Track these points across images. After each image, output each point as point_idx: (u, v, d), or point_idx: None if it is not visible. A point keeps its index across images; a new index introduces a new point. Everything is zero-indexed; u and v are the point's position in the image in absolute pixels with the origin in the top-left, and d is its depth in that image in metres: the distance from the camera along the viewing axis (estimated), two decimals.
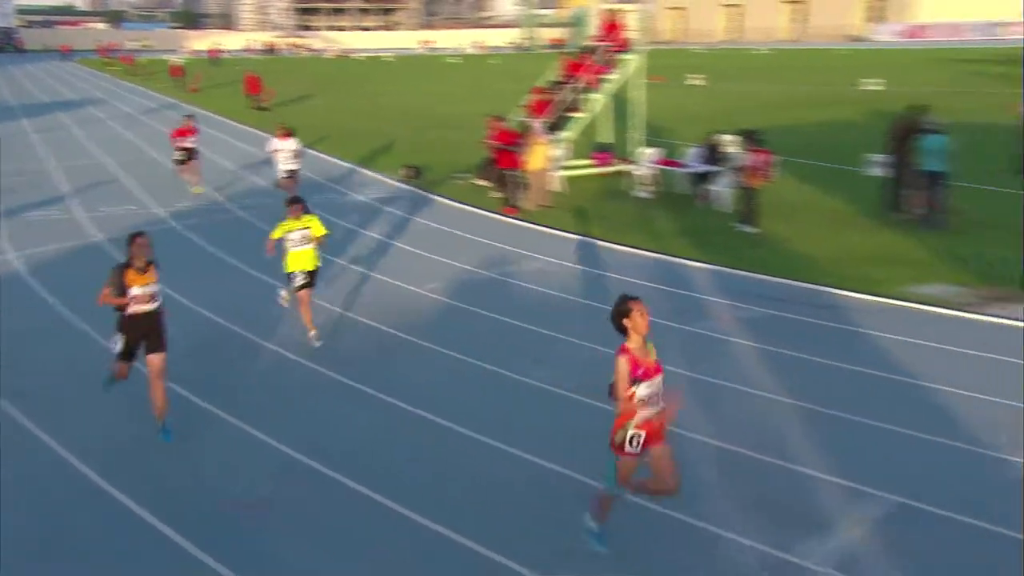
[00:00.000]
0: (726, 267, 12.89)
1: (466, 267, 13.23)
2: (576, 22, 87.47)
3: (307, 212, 10.03)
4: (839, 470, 6.88)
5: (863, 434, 7.58)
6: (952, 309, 10.78)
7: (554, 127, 18.99)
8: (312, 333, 9.95)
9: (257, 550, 6.06)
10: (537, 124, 17.81)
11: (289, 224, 9.85)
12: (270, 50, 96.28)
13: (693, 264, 13.15)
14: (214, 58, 71.30)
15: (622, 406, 5.40)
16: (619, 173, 19.47)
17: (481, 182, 18.93)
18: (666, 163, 18.87)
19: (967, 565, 5.75)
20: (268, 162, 18.23)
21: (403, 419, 8.11)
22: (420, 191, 19.21)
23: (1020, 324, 10.14)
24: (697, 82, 45.42)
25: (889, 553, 5.78)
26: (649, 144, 20.05)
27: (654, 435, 5.51)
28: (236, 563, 5.87)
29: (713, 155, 17.37)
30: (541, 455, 7.27)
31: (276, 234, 9.93)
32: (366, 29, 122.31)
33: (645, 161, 18.83)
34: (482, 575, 5.78)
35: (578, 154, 20.14)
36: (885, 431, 7.59)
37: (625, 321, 5.45)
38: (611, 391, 5.49)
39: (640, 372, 5.37)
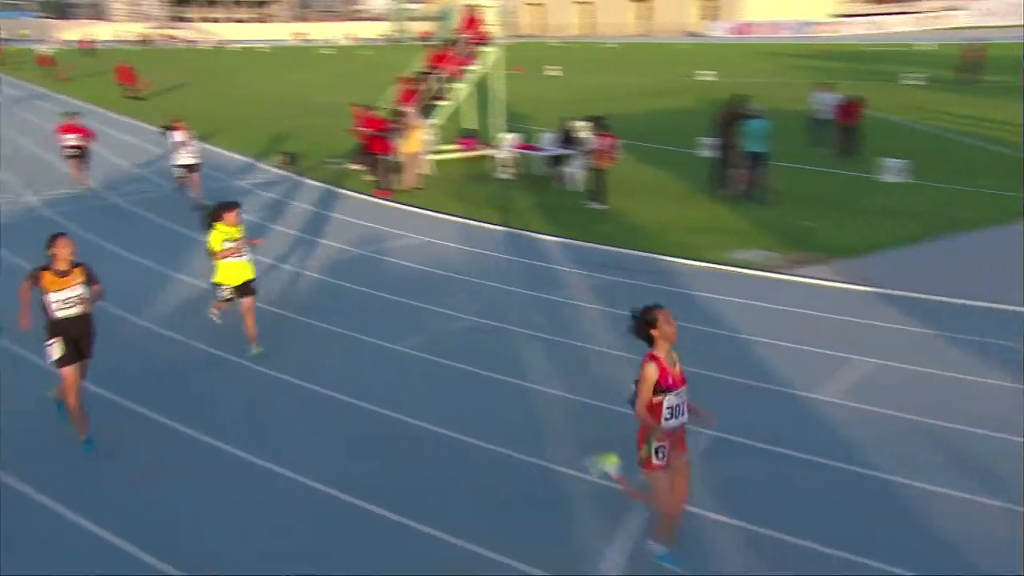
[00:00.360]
0: (578, 240, 13.34)
1: (342, 246, 13.20)
2: (442, 16, 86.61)
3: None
4: None
5: (689, 381, 8.09)
6: (766, 271, 11.55)
7: (422, 114, 19.01)
8: (255, 350, 8.76)
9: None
10: (412, 111, 17.81)
11: (226, 231, 8.54)
12: (144, 41, 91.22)
13: (549, 238, 13.54)
14: (86, 48, 66.95)
15: (644, 415, 4.99)
16: (483, 157, 19.70)
17: (354, 167, 18.78)
18: (525, 147, 19.23)
19: (776, 487, 6.30)
20: (141, 149, 17.47)
21: (286, 389, 8.12)
22: (296, 176, 18.88)
23: (821, 283, 11.01)
24: (554, 73, 46.08)
25: (707, 481, 6.29)
26: (510, 130, 20.33)
27: (676, 446, 5.15)
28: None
29: (567, 139, 17.83)
30: (416, 415, 7.44)
31: (215, 245, 8.52)
32: (240, 21, 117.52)
33: (506, 146, 19.13)
34: (355, 522, 5.94)
35: (445, 140, 20.24)
36: (708, 378, 8.12)
37: (652, 331, 5.04)
38: (633, 401, 5.09)
39: (669, 381, 4.99)
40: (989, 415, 7.14)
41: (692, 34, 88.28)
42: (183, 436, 7.16)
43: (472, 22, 20.36)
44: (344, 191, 17.32)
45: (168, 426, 7.33)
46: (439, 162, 19.05)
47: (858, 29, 76.53)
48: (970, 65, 33.20)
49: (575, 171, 17.04)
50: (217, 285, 8.81)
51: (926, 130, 22.72)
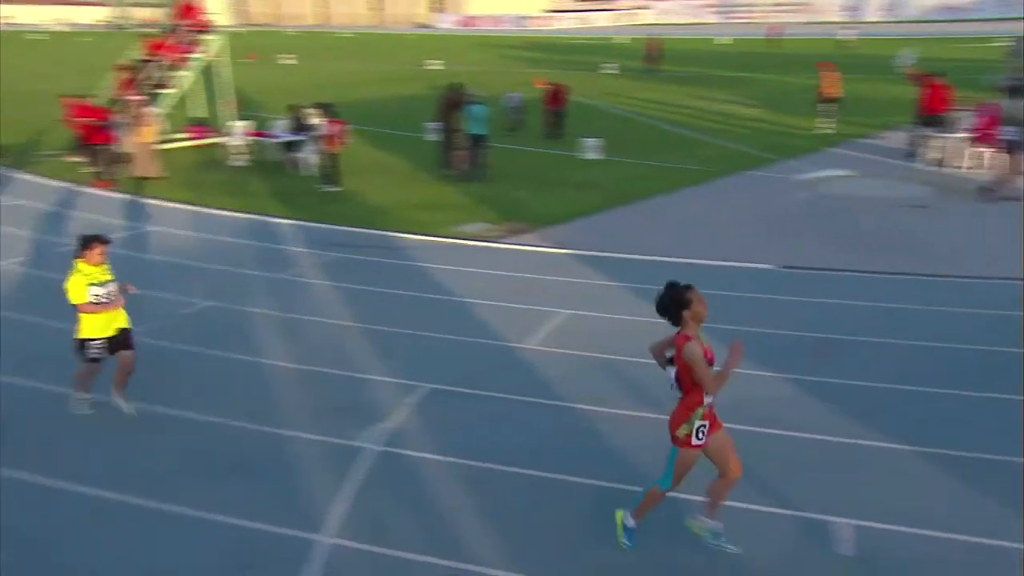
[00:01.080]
0: (311, 222, 13.24)
1: (60, 240, 12.04)
2: (165, 2, 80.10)
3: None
4: (392, 372, 7.66)
5: (413, 343, 8.47)
6: (485, 241, 12.23)
7: (147, 103, 17.67)
8: (127, 407, 6.87)
9: None
10: (139, 99, 16.47)
11: (90, 274, 6.48)
12: None
13: (282, 221, 13.30)
14: None
15: (714, 388, 4.63)
16: (214, 145, 18.76)
17: (73, 159, 17.08)
18: (257, 134, 18.58)
19: (488, 425, 6.82)
20: None
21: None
22: (6, 170, 16.82)
23: (529, 248, 11.86)
24: (289, 61, 44.55)
25: (427, 427, 6.67)
26: (244, 118, 19.49)
27: (713, 422, 4.83)
28: None
29: (298, 125, 17.48)
30: (149, 399, 7.10)
31: (78, 294, 6.41)
32: None
33: (237, 133, 18.36)
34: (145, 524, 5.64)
35: (173, 129, 18.99)
36: (430, 338, 8.56)
37: (685, 312, 4.64)
38: (679, 383, 4.73)
39: (711, 359, 4.67)
40: (642, 345, 8.16)
41: (421, 25, 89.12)
42: None
43: (189, 10, 19.19)
44: (62, 184, 15.75)
45: None
46: (168, 151, 17.85)
47: (567, 23, 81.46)
48: (654, 56, 36.73)
49: (307, 156, 16.78)
50: (82, 343, 6.59)
51: (619, 113, 24.91)
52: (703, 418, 4.70)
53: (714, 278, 10.27)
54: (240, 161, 17.75)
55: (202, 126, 19.51)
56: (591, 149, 18.21)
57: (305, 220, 13.30)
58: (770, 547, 5.14)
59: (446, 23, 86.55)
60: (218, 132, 19.20)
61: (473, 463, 6.13)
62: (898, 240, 11.71)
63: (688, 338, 4.61)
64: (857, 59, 35.34)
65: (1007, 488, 5.62)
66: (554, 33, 72.91)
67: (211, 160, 18.02)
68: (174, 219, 13.45)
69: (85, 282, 6.42)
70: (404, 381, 7.45)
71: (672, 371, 4.76)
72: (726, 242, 11.88)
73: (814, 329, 8.57)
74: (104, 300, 6.49)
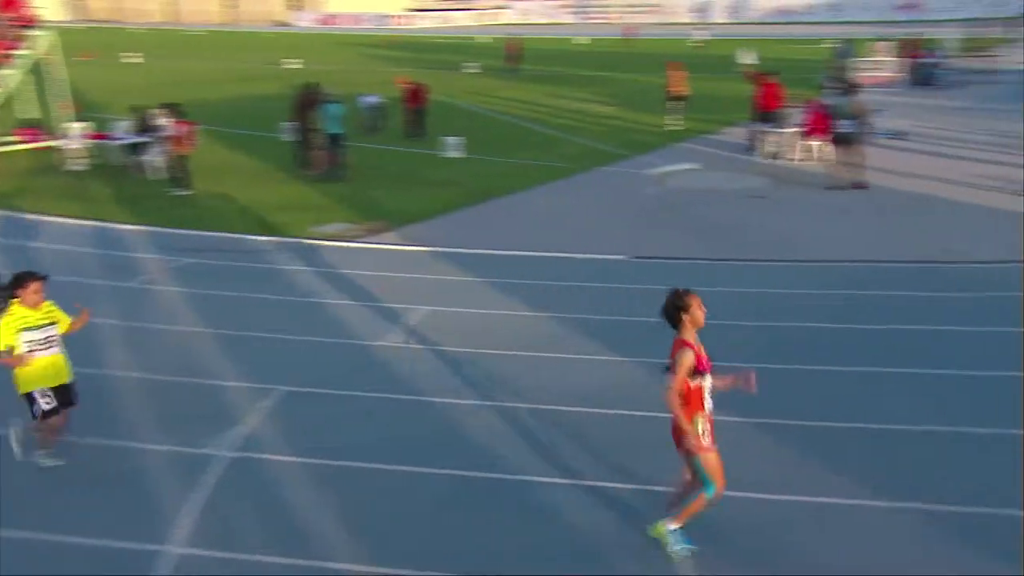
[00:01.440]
0: (160, 227, 12.68)
1: None
2: None
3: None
4: (246, 377, 7.50)
5: (268, 346, 8.30)
6: (343, 241, 12.10)
7: None
8: (49, 462, 6.02)
9: None
10: None
11: (25, 316, 5.66)
12: None
13: (128, 227, 12.67)
14: None
15: (677, 401, 4.70)
16: (50, 148, 17.54)
17: None
18: (97, 136, 17.55)
19: (343, 424, 6.78)
20: None
21: None
22: None
23: (390, 247, 11.84)
24: (133, 59, 42.18)
25: (282, 430, 6.58)
26: (84, 119, 18.33)
27: (712, 429, 4.89)
28: None
29: (143, 127, 16.64)
30: None
31: (6, 338, 5.58)
32: None
33: (75, 136, 17.26)
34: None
35: (2, 131, 17.62)
36: (286, 340, 8.41)
37: (684, 315, 4.75)
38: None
39: (704, 365, 4.76)
40: (514, 339, 8.40)
41: (279, 23, 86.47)
42: None
43: (10, 3, 17.84)
44: None
45: None
46: None
47: (429, 23, 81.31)
48: (514, 56, 37.34)
49: (154, 159, 16.01)
50: (31, 397, 5.72)
51: (481, 112, 25.18)
52: (705, 422, 4.81)
53: (569, 270, 10.64)
54: (79, 165, 16.72)
55: (34, 128, 18.19)
56: (452, 147, 18.34)
57: (153, 225, 12.72)
58: (617, 520, 5.41)
59: (305, 21, 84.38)
60: (53, 135, 17.97)
61: (329, 462, 6.11)
62: (739, 228, 12.50)
63: (684, 343, 4.74)
64: (705, 59, 37.26)
65: (830, 450, 6.16)
66: (416, 32, 72.63)
67: (47, 165, 16.87)
68: (4, 228, 12.52)
69: (16, 325, 5.59)
70: (258, 385, 7.30)
71: (665, 378, 4.82)
72: (582, 235, 12.30)
73: None
74: (40, 347, 5.66)
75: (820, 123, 16.62)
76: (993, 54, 31.97)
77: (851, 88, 16.43)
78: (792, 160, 16.69)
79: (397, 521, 5.42)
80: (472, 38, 60.66)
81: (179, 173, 14.92)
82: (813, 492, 5.65)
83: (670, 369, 4.77)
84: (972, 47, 33.64)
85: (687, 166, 16.82)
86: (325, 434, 6.57)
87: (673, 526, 5.01)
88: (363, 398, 7.17)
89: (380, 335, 8.51)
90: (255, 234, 12.26)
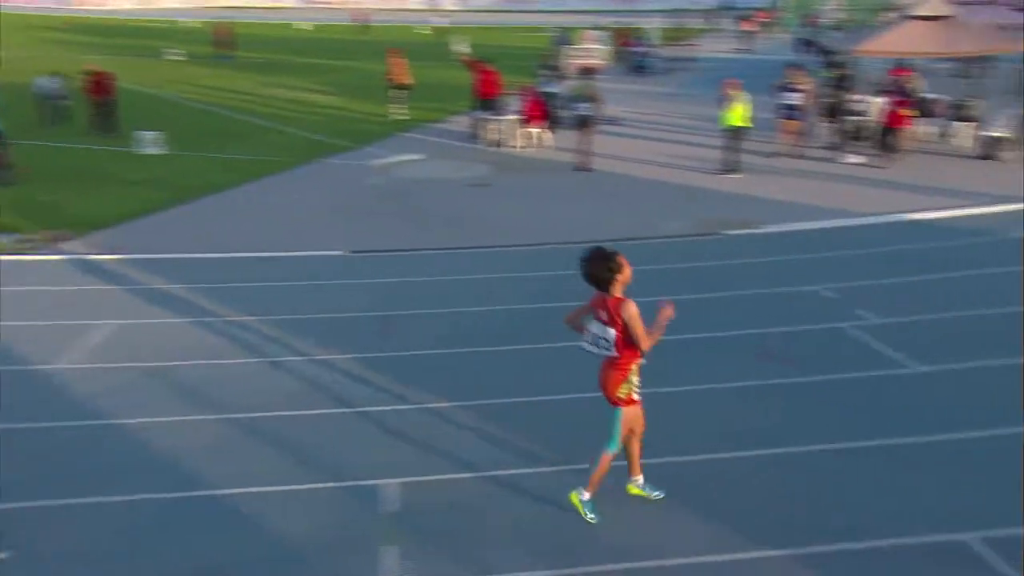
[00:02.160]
0: None
1: None
2: None
3: None
4: None
5: None
6: (14, 254, 10.99)
7: None
8: None
9: None
10: None
11: None
12: None
13: None
14: None
15: (649, 345, 4.96)
16: None
17: None
18: None
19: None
20: None
21: None
22: None
23: (74, 257, 10.93)
24: None
25: None
26: None
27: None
28: None
29: None
30: None
31: None
32: None
33: None
34: None
35: None
36: None
37: (618, 275, 4.97)
38: (616, 344, 4.98)
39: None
40: (214, 348, 8.16)
41: None
42: None
43: None
44: None
45: None
46: None
47: (123, 4, 75.28)
48: (223, 42, 35.78)
49: None
50: None
51: (185, 103, 23.89)
52: (638, 375, 5.15)
53: (281, 270, 10.53)
54: None
55: None
56: (150, 143, 17.27)
57: None
58: (325, 519, 5.51)
59: None
60: None
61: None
62: (461, 217, 13.06)
63: (624, 299, 4.97)
64: (435, 47, 38.18)
65: (528, 426, 6.67)
66: (107, 14, 66.97)
67: None
68: None
69: None
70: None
71: (606, 333, 5.01)
72: (298, 232, 12.20)
73: (376, 308, 9.22)
74: None
75: (536, 110, 17.83)
76: (693, 43, 36.08)
77: (563, 75, 17.79)
78: (514, 147, 17.72)
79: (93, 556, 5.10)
80: (175, 22, 57.22)
81: None
82: (500, 466, 6.12)
83: (609, 324, 5.00)
84: (674, 37, 37.71)
85: (412, 156, 17.24)
86: None
87: (586, 495, 5.33)
88: (27, 430, 6.61)
89: (54, 356, 7.87)
90: None
